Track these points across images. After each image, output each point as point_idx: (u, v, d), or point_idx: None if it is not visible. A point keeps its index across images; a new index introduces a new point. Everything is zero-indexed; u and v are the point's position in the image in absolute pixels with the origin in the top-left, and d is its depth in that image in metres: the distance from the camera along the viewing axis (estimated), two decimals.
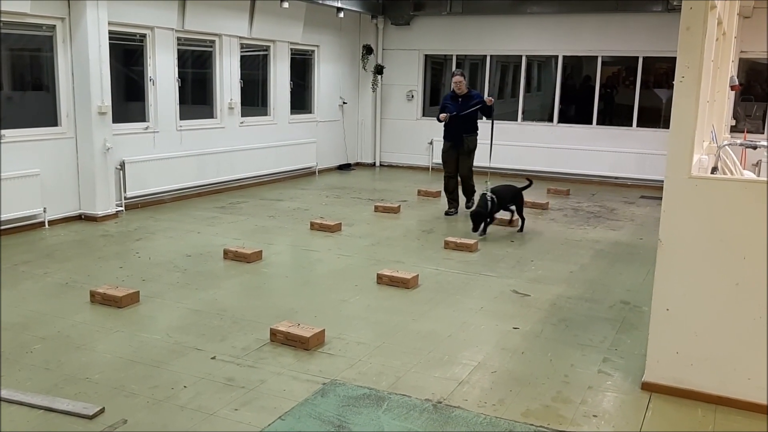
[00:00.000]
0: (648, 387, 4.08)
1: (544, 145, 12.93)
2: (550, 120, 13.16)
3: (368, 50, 13.88)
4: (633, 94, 12.42)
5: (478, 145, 9.21)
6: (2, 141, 7.47)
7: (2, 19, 7.43)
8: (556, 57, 12.96)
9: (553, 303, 5.69)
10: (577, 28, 12.53)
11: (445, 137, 9.30)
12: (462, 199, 9.54)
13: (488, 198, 7.93)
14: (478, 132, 9.21)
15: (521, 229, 8.28)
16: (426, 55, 14.04)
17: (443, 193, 9.57)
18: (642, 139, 12.21)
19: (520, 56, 13.23)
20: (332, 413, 3.72)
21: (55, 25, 8.02)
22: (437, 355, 4.56)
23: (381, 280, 6.11)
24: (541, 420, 3.71)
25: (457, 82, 8.99)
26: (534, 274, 6.53)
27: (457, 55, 13.82)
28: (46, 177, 7.88)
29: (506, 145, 13.13)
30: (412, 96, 14.04)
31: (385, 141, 14.38)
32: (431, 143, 13.69)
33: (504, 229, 8.50)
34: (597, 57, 12.61)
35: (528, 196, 10.67)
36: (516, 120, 13.37)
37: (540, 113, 13.64)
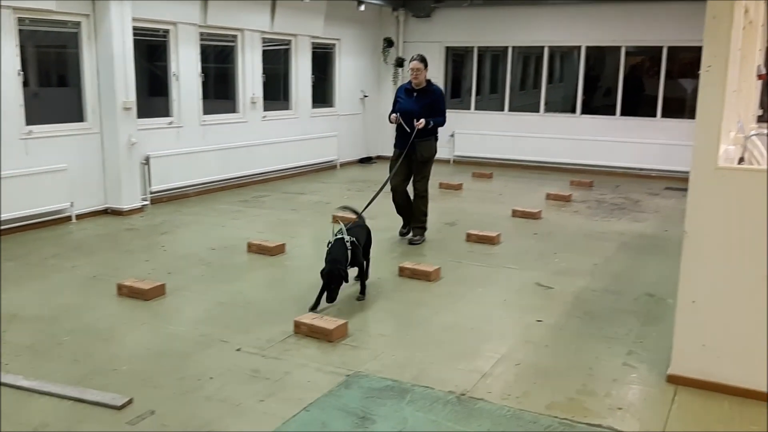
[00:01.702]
0: (674, 380, 4.05)
1: (566, 137, 12.82)
2: (573, 111, 13.05)
3: (389, 43, 13.86)
4: (657, 84, 12.27)
5: (437, 152, 7.32)
6: (30, 137, 7.60)
7: (29, 16, 7.53)
8: (579, 47, 12.83)
9: (577, 295, 5.66)
10: (600, 17, 12.39)
11: (395, 142, 7.23)
12: (392, 233, 7.55)
13: (347, 242, 5.28)
14: (437, 136, 7.21)
15: (363, 292, 5.54)
16: (447, 48, 13.97)
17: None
18: (667, 130, 12.05)
19: (542, 47, 13.12)
20: (356, 405, 3.75)
21: (80, 22, 8.12)
22: (460, 347, 4.57)
23: (403, 272, 6.12)
24: (565, 413, 3.70)
25: (413, 70, 6.93)
26: (557, 267, 6.50)
27: (478, 47, 13.75)
28: (72, 172, 7.99)
29: (528, 137, 13.11)
30: None
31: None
32: (452, 136, 13.65)
33: (526, 222, 8.46)
34: (620, 47, 12.47)
35: (551, 187, 10.70)
36: (538, 111, 13.28)
37: (562, 104, 13.53)
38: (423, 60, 6.95)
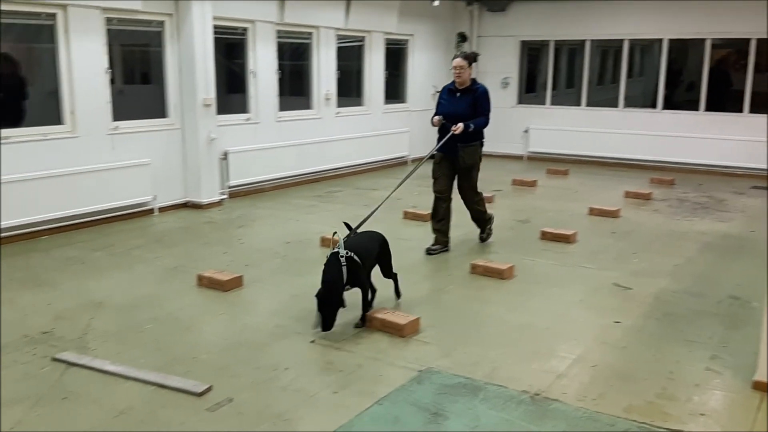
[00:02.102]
0: (759, 386, 3.87)
1: (646, 133, 12.41)
2: (654, 106, 12.62)
3: (462, 38, 13.77)
4: (744, 78, 11.71)
5: (482, 157, 6.76)
6: (116, 132, 7.94)
7: (116, 16, 7.87)
8: (661, 40, 12.38)
9: (656, 297, 5.48)
10: (684, 9, 11.91)
11: (439, 147, 6.61)
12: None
13: (343, 259, 4.57)
14: (482, 140, 6.68)
15: (398, 295, 5.24)
16: (522, 42, 13.77)
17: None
18: (754, 126, 11.47)
19: (622, 40, 12.74)
20: (428, 400, 3.75)
21: (163, 21, 8.42)
22: (534, 347, 4.50)
23: (475, 270, 6.07)
24: (644, 416, 3.59)
25: (455, 68, 6.43)
26: (636, 267, 6.31)
27: (555, 41, 13.48)
28: (155, 166, 8.31)
29: (606, 133, 12.76)
30: (508, 83, 13.81)
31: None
32: (527, 131, 13.44)
33: (604, 220, 8.25)
34: (705, 40, 11.96)
35: (630, 185, 10.38)
36: (617, 106, 12.91)
37: (642, 99, 13.10)
38: (467, 57, 6.48)
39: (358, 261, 4.64)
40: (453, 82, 6.60)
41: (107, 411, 3.63)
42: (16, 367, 4.14)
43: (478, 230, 7.15)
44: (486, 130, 6.73)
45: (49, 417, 3.57)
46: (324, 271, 4.58)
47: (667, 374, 4.10)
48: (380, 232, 5.26)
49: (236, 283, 5.65)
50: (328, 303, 4.48)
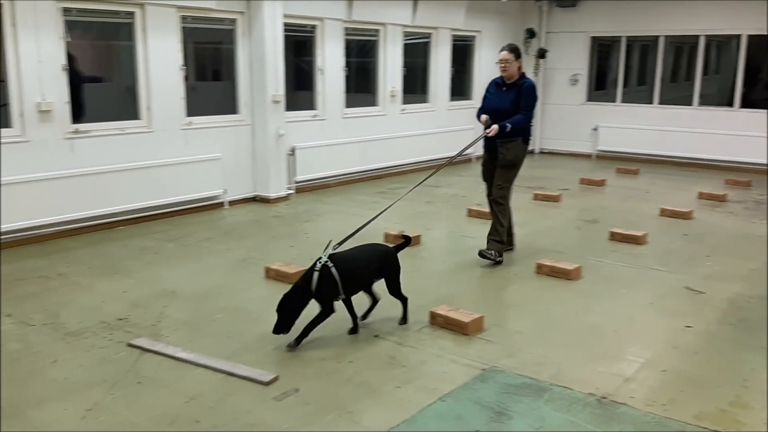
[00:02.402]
0: None
1: (722, 132, 11.94)
2: (730, 105, 12.14)
3: (531, 34, 13.58)
4: None
5: (524, 155, 6.31)
6: (190, 127, 8.19)
7: (191, 14, 8.11)
8: (739, 36, 11.90)
9: (731, 302, 5.29)
10: (764, 4, 11.39)
11: (484, 144, 6.38)
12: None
13: (317, 266, 4.34)
14: (527, 137, 6.25)
15: (404, 320, 4.79)
16: (593, 38, 13.47)
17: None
18: None
19: (697, 36, 12.30)
20: (492, 399, 3.73)
21: (236, 19, 8.63)
22: (601, 349, 4.42)
23: (541, 270, 5.99)
24: (716, 424, 3.48)
25: (501, 61, 6.13)
26: (709, 271, 6.10)
27: (627, 37, 13.14)
28: (226, 161, 8.53)
29: (679, 132, 12.36)
30: (577, 80, 13.55)
31: (546, 127, 14.00)
32: (596, 129, 13.16)
33: (676, 221, 8.00)
34: None
35: (704, 186, 10.03)
36: (691, 104, 12.48)
37: (718, 97, 12.63)
38: (513, 50, 6.12)
39: (334, 273, 4.31)
40: (501, 77, 6.29)
41: (178, 396, 3.76)
42: (94, 352, 4.33)
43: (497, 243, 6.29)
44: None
45: (124, 400, 3.72)
46: (303, 275, 4.43)
47: (741, 382, 3.95)
48: (389, 246, 4.97)
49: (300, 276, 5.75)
50: (284, 306, 4.31)
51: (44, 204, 6.85)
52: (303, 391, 3.81)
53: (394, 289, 4.76)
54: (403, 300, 4.84)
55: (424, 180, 6.08)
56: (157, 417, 3.54)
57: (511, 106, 6.10)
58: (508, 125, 5.98)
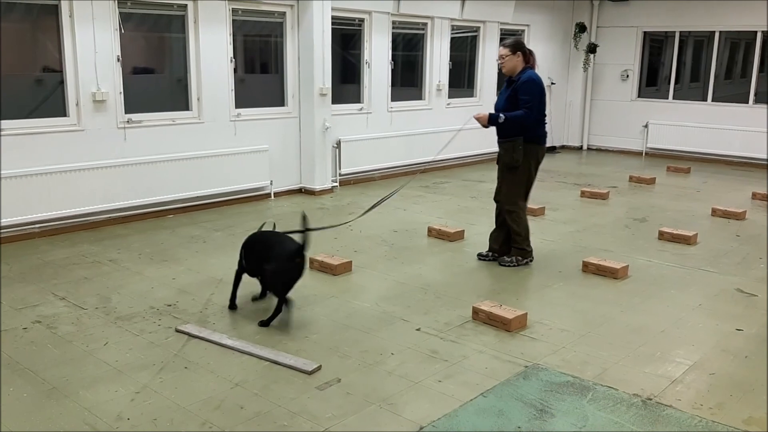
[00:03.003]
0: None
1: None
2: None
3: (581, 28, 13.36)
4: None
5: (535, 157, 5.86)
6: (239, 119, 8.31)
7: (241, 7, 8.22)
8: None
9: None
10: None
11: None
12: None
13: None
14: (530, 136, 5.76)
15: (266, 322, 4.59)
16: (645, 32, 13.18)
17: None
18: None
19: (755, 32, 11.92)
20: (534, 396, 3.71)
21: (285, 12, 8.71)
22: (648, 350, 4.34)
23: (587, 268, 5.91)
24: (765, 430, 3.39)
25: (499, 57, 5.82)
26: (762, 273, 5.92)
27: (680, 32, 12.82)
28: (273, 152, 8.64)
29: (733, 130, 12.03)
30: (627, 76, 13.28)
31: (594, 123, 13.77)
32: (646, 126, 12.89)
33: (728, 222, 7.80)
34: None
35: (758, 186, 9.73)
36: (746, 102, 12.11)
37: None
38: (510, 45, 5.70)
39: (240, 252, 4.88)
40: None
41: (224, 382, 3.84)
42: (144, 336, 4.45)
43: (495, 258, 6.16)
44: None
45: (171, 383, 3.82)
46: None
47: None
48: (297, 246, 4.56)
49: (346, 267, 5.81)
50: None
51: (98, 192, 7.05)
52: (345, 382, 3.85)
53: (275, 289, 4.68)
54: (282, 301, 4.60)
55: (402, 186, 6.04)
56: (203, 401, 3.62)
57: (506, 104, 5.74)
58: (502, 116, 5.65)
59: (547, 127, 6.02)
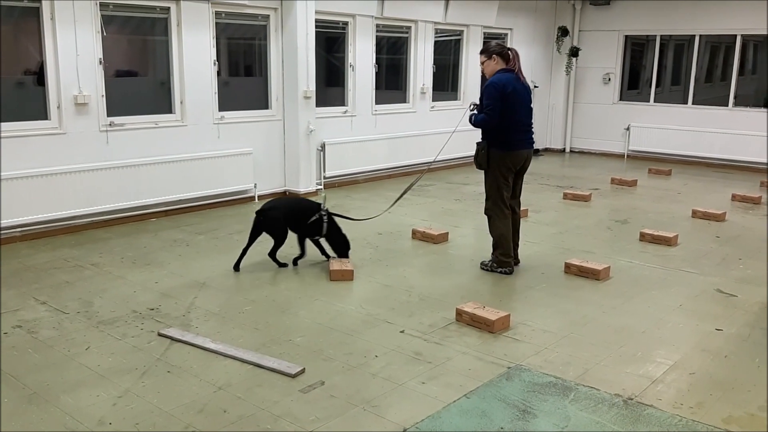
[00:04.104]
0: None
1: (758, 134, 11.72)
2: (767, 106, 11.89)
3: (563, 32, 13.46)
4: None
5: (502, 163, 5.68)
6: (222, 122, 8.28)
7: (224, 10, 8.20)
8: None
9: (763, 306, 5.20)
10: None
11: None
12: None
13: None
14: (497, 141, 5.65)
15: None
16: (626, 36, 13.31)
17: None
18: None
19: (734, 36, 12.09)
20: (517, 397, 3.73)
21: (268, 15, 8.70)
22: (629, 350, 4.38)
23: (569, 269, 5.96)
24: (745, 428, 3.44)
25: (480, 63, 5.91)
26: (742, 274, 6.00)
27: (661, 36, 12.95)
28: (257, 155, 8.62)
29: (713, 133, 12.17)
30: (609, 79, 13.40)
31: (576, 126, 13.88)
32: (628, 129, 13.01)
33: (708, 223, 7.89)
34: None
35: (738, 188, 9.86)
36: (726, 105, 12.27)
37: (755, 98, 12.38)
38: (484, 51, 5.76)
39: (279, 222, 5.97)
40: None
41: (207, 386, 3.82)
42: (126, 340, 4.43)
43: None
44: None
45: (154, 388, 3.80)
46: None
47: None
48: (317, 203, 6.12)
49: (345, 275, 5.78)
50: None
51: (80, 195, 7.00)
52: (329, 384, 3.85)
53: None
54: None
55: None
56: (186, 405, 3.61)
57: (479, 108, 5.74)
58: (468, 117, 5.75)
59: (524, 134, 5.80)
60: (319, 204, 6.05)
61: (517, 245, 6.09)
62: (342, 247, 6.08)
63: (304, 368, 4.01)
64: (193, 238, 6.99)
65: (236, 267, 5.91)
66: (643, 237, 7.06)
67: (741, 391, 3.84)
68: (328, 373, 3.98)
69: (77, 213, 7.03)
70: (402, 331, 4.63)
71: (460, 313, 4.81)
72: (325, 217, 5.92)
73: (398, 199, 6.67)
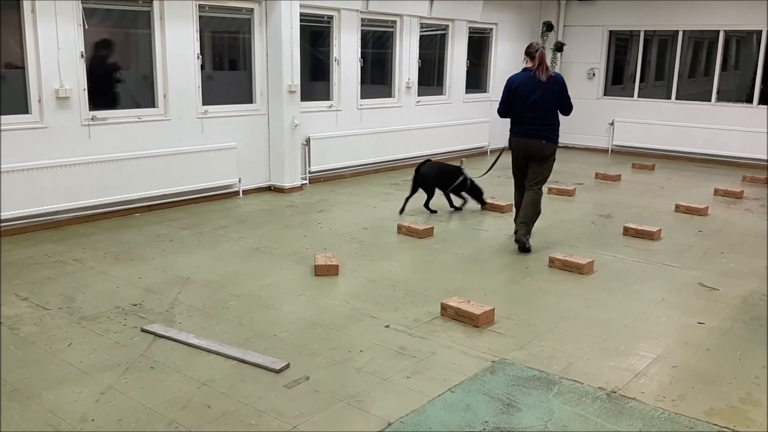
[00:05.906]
0: None
1: (740, 129, 11.84)
2: (749, 101, 12.01)
3: (548, 27, 13.49)
4: None
5: (508, 143, 6.85)
6: (206, 116, 8.23)
7: (208, 3, 8.13)
8: (759, 32, 11.75)
9: (745, 299, 5.26)
10: None
11: None
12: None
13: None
14: (510, 128, 6.81)
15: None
16: (610, 32, 13.37)
17: None
18: None
19: (717, 31, 12.18)
20: (501, 391, 3.75)
21: (253, 9, 8.65)
22: (612, 344, 4.41)
23: (553, 263, 5.99)
24: (726, 421, 3.47)
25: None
26: (724, 267, 6.06)
27: (645, 31, 13.02)
28: (241, 150, 8.58)
29: (696, 128, 12.26)
30: (594, 74, 13.46)
31: (561, 120, 13.88)
32: (612, 124, 13.08)
33: (691, 218, 7.96)
34: None
35: (720, 182, 9.95)
36: (709, 100, 12.36)
37: (737, 94, 12.50)
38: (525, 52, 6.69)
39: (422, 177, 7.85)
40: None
41: (191, 381, 3.80)
42: (109, 336, 4.39)
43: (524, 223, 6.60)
44: (569, 121, 7.07)
45: (137, 384, 3.77)
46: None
47: (752, 379, 3.94)
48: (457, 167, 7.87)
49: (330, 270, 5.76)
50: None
51: (61, 190, 6.93)
52: (313, 380, 3.84)
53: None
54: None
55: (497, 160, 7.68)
56: (170, 401, 3.58)
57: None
58: None
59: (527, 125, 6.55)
60: (460, 167, 7.88)
61: (527, 224, 6.52)
62: (481, 196, 8.06)
63: (289, 363, 3.99)
64: (177, 233, 6.94)
65: (401, 211, 7.77)
66: (627, 231, 7.11)
67: (722, 384, 3.88)
68: (313, 368, 3.97)
69: (59, 208, 6.96)
70: (387, 326, 4.63)
71: (444, 308, 4.82)
72: (468, 178, 7.82)
73: (491, 167, 7.82)
